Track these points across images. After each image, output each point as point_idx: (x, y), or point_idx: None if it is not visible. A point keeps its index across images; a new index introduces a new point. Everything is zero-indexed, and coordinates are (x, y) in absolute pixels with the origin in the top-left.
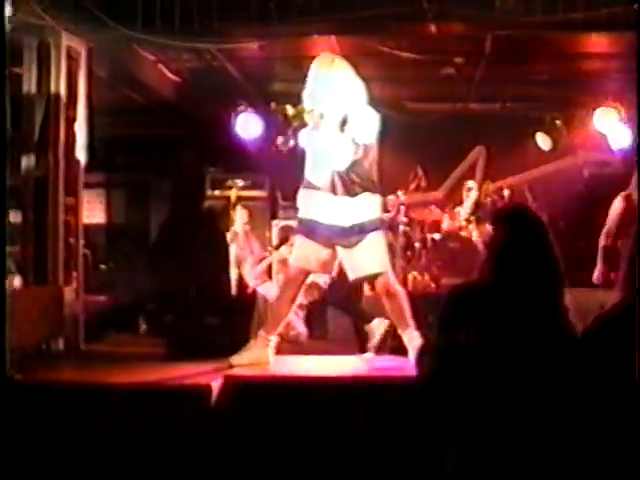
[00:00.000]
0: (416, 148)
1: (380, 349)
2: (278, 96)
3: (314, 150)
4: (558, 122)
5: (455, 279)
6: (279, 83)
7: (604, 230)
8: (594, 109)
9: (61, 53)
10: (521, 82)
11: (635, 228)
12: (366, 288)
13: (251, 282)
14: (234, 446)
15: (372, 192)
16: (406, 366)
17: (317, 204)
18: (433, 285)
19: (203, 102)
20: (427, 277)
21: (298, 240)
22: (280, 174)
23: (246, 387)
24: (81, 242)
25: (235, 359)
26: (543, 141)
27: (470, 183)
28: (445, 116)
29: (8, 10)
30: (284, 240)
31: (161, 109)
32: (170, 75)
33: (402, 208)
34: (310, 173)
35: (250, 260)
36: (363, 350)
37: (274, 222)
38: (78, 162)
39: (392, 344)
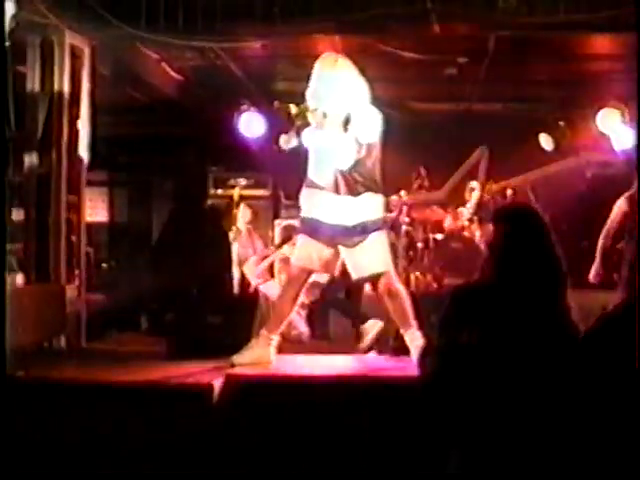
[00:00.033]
0: (419, 148)
1: (371, 350)
2: (281, 95)
3: (317, 149)
4: (561, 123)
5: (457, 279)
6: (282, 82)
7: (604, 230)
8: (597, 110)
9: (65, 51)
10: (524, 82)
11: (636, 229)
12: (368, 288)
13: (253, 281)
14: (235, 445)
15: (375, 192)
16: (408, 366)
17: (320, 203)
18: (435, 285)
19: (206, 101)
20: (429, 277)
21: (300, 239)
22: (283, 173)
23: (247, 386)
24: (83, 240)
25: (237, 358)
26: (546, 141)
27: (473, 183)
28: (448, 116)
29: (11, 8)
30: (286, 239)
31: (164, 108)
32: (173, 74)
33: (404, 208)
34: (313, 172)
35: (253, 259)
36: (364, 350)
37: (276, 221)
38: (81, 160)
39: (394, 344)
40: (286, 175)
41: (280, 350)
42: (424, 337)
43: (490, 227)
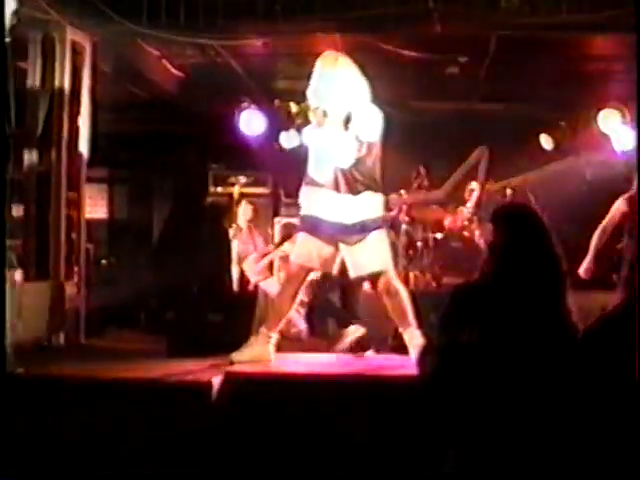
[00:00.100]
0: (419, 147)
1: (344, 352)
2: (282, 93)
3: (317, 147)
4: (561, 123)
5: (457, 278)
6: (283, 80)
7: (600, 227)
8: (598, 110)
9: (66, 48)
10: (525, 82)
11: (637, 229)
12: (366, 286)
13: (253, 278)
14: (234, 442)
15: (375, 190)
16: (406, 365)
17: (320, 201)
18: (434, 284)
19: (207, 98)
20: (429, 276)
21: (300, 237)
22: (283, 171)
23: (246, 384)
24: (83, 237)
25: (236, 356)
26: (546, 142)
27: (473, 183)
28: (448, 115)
29: (12, 4)
30: (286, 237)
31: (165, 105)
32: (174, 71)
33: (404, 207)
34: (313, 170)
35: (253, 256)
36: (363, 348)
37: (276, 219)
38: (81, 157)
39: (393, 343)
40: (286, 173)
41: (279, 348)
42: (423, 336)
43: (489, 227)
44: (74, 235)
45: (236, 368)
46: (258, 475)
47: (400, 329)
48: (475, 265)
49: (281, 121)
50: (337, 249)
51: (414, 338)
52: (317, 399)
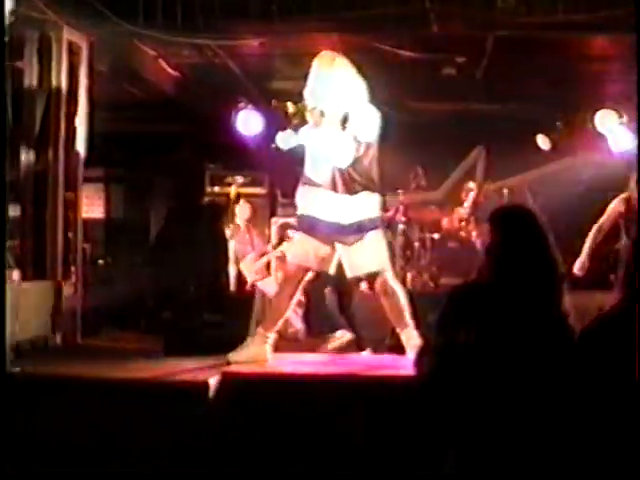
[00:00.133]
0: (416, 147)
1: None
2: (279, 93)
3: (314, 148)
4: (559, 123)
5: (454, 279)
6: (280, 81)
7: (596, 225)
8: (595, 111)
9: (62, 47)
10: (522, 83)
11: (635, 230)
12: (364, 286)
13: (250, 277)
14: (231, 442)
15: (372, 191)
16: (403, 365)
17: (317, 201)
18: (432, 284)
19: (204, 98)
20: (426, 276)
21: (297, 237)
22: (280, 171)
23: (243, 384)
24: (80, 237)
25: (232, 356)
26: (543, 142)
27: (470, 183)
28: (445, 116)
29: (9, 3)
30: (283, 237)
31: (161, 105)
32: (171, 71)
33: (401, 207)
34: (310, 170)
35: (251, 255)
36: (360, 348)
37: (273, 219)
38: (78, 157)
39: (390, 343)
40: (283, 173)
41: (276, 348)
42: (421, 336)
43: (486, 227)
44: (71, 235)
45: (233, 368)
46: (255, 475)
47: (397, 329)
48: (472, 265)
49: (278, 121)
50: (334, 249)
51: (412, 338)
52: (314, 399)
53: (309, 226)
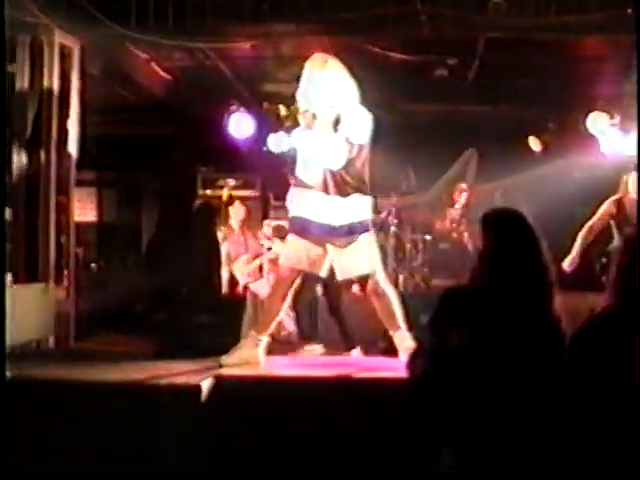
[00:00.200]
0: (408, 149)
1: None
2: (271, 96)
3: (307, 150)
4: (550, 125)
5: (446, 280)
6: (272, 83)
7: (587, 225)
8: (587, 112)
9: (54, 51)
10: (514, 84)
11: (630, 231)
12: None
13: (242, 279)
14: (223, 445)
15: (364, 193)
16: (396, 366)
17: (309, 203)
18: (424, 286)
19: (195, 101)
20: (418, 278)
21: (289, 239)
22: (272, 174)
23: (236, 387)
24: (72, 240)
25: (225, 359)
26: (535, 143)
27: (462, 185)
28: (437, 118)
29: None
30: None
31: (153, 108)
32: (163, 74)
33: (393, 209)
34: (302, 172)
35: (244, 257)
36: (349, 348)
37: (265, 222)
38: (70, 160)
39: (382, 345)
40: (275, 176)
41: (269, 351)
42: (413, 338)
43: (478, 229)
44: (63, 239)
45: (225, 371)
46: (248, 478)
47: (390, 332)
48: (464, 267)
49: (270, 124)
50: (325, 251)
51: (404, 340)
52: (307, 402)
53: (301, 228)
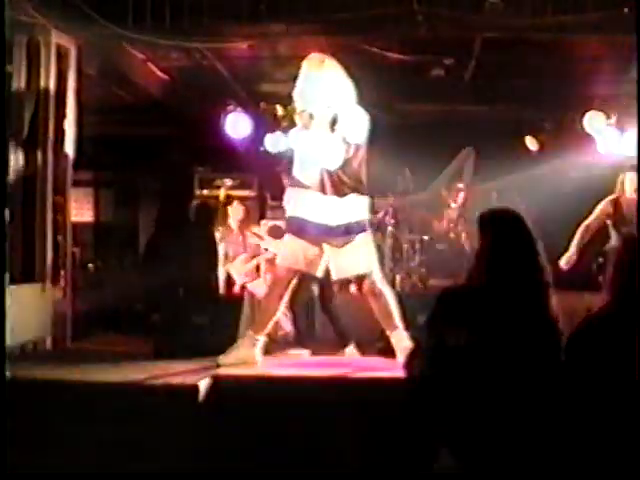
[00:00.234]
0: (405, 149)
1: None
2: (267, 96)
3: (303, 150)
4: (547, 124)
5: (443, 280)
6: (269, 83)
7: (583, 224)
8: (583, 112)
9: (51, 51)
10: (510, 84)
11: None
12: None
13: (240, 279)
14: (220, 444)
15: (360, 193)
16: (393, 366)
17: (305, 202)
18: (421, 286)
19: (192, 101)
20: (415, 278)
21: (286, 239)
22: (269, 174)
23: (233, 386)
24: (69, 241)
25: (222, 359)
26: (531, 143)
27: (459, 185)
28: (434, 117)
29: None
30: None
31: (150, 108)
32: (159, 74)
33: (390, 209)
34: (299, 172)
35: (241, 257)
36: (343, 346)
37: (262, 222)
38: (67, 160)
39: (379, 345)
40: (272, 176)
41: (266, 351)
42: (411, 338)
43: (475, 229)
44: (60, 239)
45: (222, 371)
46: (245, 477)
47: (387, 332)
48: (461, 267)
49: (267, 124)
50: (322, 250)
51: (401, 340)
52: (304, 402)
53: (298, 228)
